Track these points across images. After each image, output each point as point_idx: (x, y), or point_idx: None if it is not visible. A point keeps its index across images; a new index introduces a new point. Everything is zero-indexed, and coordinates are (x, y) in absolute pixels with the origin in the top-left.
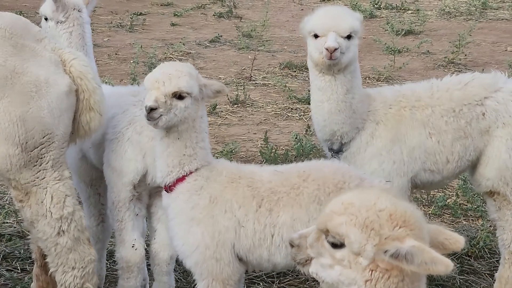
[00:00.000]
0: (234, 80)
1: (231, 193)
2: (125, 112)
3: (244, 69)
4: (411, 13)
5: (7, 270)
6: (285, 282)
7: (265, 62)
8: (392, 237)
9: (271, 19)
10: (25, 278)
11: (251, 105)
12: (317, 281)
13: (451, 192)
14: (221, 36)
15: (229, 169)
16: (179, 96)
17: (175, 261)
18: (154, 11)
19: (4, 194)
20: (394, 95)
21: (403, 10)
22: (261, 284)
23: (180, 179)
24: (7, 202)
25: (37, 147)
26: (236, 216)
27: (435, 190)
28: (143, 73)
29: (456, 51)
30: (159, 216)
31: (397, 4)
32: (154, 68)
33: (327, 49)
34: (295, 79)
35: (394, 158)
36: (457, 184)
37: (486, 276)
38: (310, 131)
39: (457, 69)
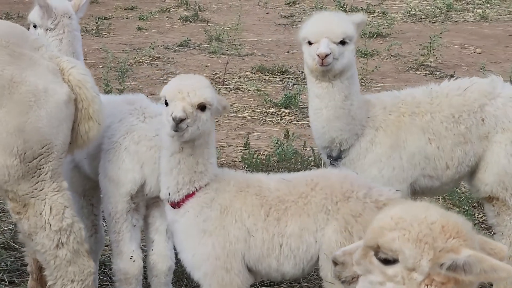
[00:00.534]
0: None
1: (240, 202)
2: (122, 121)
3: (215, 73)
4: (377, 15)
5: None
6: None
7: (236, 66)
8: (446, 249)
9: (238, 22)
10: None
11: None
12: None
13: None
14: (190, 40)
15: (236, 178)
16: (203, 107)
17: None
18: (118, 15)
19: None
20: (393, 101)
21: (369, 13)
22: None
23: (190, 195)
24: None
25: (35, 158)
26: (246, 226)
27: None
28: (114, 79)
29: (427, 54)
30: (157, 226)
31: (363, 7)
32: (125, 73)
33: (318, 55)
34: (269, 83)
35: (393, 164)
36: None
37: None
38: (289, 136)
39: (428, 72)
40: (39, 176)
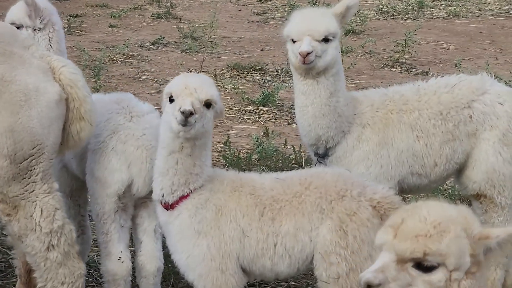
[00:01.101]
0: None
1: (234, 202)
2: (108, 120)
3: (190, 71)
4: None
5: None
6: None
7: (211, 64)
8: (475, 238)
9: (210, 20)
10: None
11: None
12: (299, 287)
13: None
14: (163, 37)
15: (230, 177)
16: (209, 105)
17: None
18: (89, 12)
19: None
20: (381, 98)
21: None
22: None
23: (184, 197)
24: None
25: (26, 159)
26: (240, 226)
27: None
28: (89, 77)
29: (402, 51)
30: (145, 227)
31: (335, 4)
32: (100, 71)
33: (300, 53)
34: (245, 81)
35: (381, 162)
36: None
37: None
38: (269, 134)
39: (403, 68)
40: (29, 178)
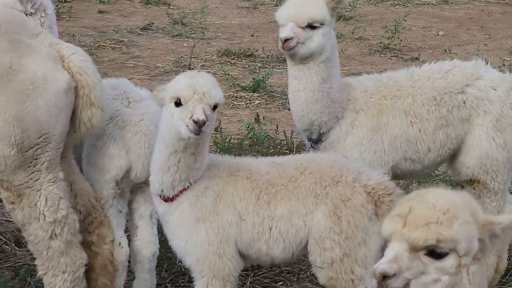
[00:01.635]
0: (173, 68)
1: (232, 186)
2: (105, 106)
3: (181, 57)
4: None
5: None
6: (259, 275)
7: (201, 50)
8: (481, 223)
9: (201, 6)
10: None
11: None
12: (292, 273)
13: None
14: (153, 23)
15: (226, 162)
16: (215, 107)
17: None
18: None
19: None
20: (375, 84)
21: None
22: None
23: (184, 189)
24: None
25: (32, 148)
26: (238, 210)
27: None
28: None
29: (392, 37)
30: (141, 212)
31: None
32: (91, 57)
33: (280, 39)
34: (235, 67)
35: (375, 148)
36: None
37: None
38: (260, 120)
39: (393, 54)
40: (35, 166)
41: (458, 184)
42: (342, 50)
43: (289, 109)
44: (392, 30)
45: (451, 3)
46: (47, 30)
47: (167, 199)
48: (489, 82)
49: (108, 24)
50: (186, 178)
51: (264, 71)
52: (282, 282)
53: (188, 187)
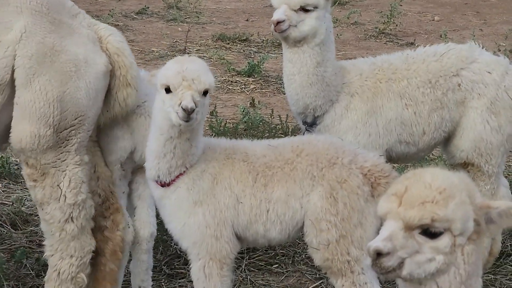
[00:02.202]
0: (168, 53)
1: (228, 169)
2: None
3: (176, 41)
4: None
5: None
6: (254, 258)
7: (196, 35)
8: (478, 205)
9: None
10: None
11: None
12: (286, 255)
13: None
14: (148, 7)
15: (222, 145)
16: (205, 93)
17: None
18: None
19: None
20: (369, 67)
21: None
22: None
23: (180, 174)
24: None
25: (67, 129)
26: (235, 193)
27: None
28: None
29: (387, 22)
30: (140, 193)
31: None
32: None
33: (272, 21)
34: (230, 51)
35: (369, 131)
36: None
37: None
38: (255, 104)
39: (388, 39)
40: (65, 147)
41: (453, 167)
42: (337, 35)
43: (284, 94)
44: (387, 15)
45: None
46: None
47: (164, 184)
48: (484, 65)
49: (103, 8)
50: (182, 163)
51: (259, 56)
52: (277, 265)
53: (184, 171)
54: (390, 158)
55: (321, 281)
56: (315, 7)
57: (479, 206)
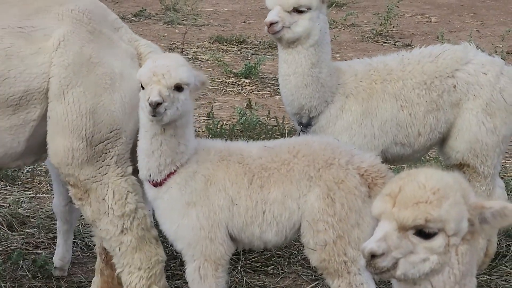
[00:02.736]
0: None
1: (223, 171)
2: None
3: (173, 43)
4: None
5: None
6: (250, 259)
7: (193, 37)
8: (472, 205)
9: None
10: None
11: None
12: (282, 257)
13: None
14: (145, 9)
15: (216, 147)
16: (179, 88)
17: None
18: None
19: None
20: (365, 68)
21: None
22: None
23: (172, 173)
24: None
25: (102, 142)
26: (229, 194)
27: None
28: None
29: (384, 23)
30: None
31: None
32: None
33: (265, 22)
34: (227, 53)
35: (364, 132)
36: None
37: None
38: (252, 105)
39: (385, 41)
40: (104, 161)
41: (449, 168)
42: (334, 36)
43: (280, 95)
44: (384, 17)
45: None
46: None
47: (156, 184)
48: (479, 66)
49: None
50: (171, 161)
51: (256, 58)
52: (273, 266)
53: (175, 171)
54: (386, 159)
55: (317, 282)
56: (309, 8)
57: (473, 206)
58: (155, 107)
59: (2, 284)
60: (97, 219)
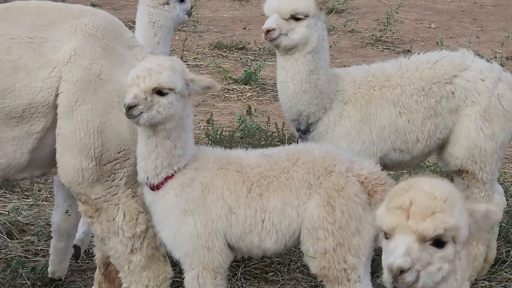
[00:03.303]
0: None
1: (221, 179)
2: None
3: (173, 50)
4: None
5: None
6: (250, 266)
7: (193, 43)
8: (468, 211)
9: None
10: None
11: None
12: (282, 263)
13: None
14: None
15: (216, 155)
16: (160, 92)
17: None
18: None
19: None
20: (363, 74)
21: None
22: None
23: (169, 177)
24: None
25: (111, 162)
26: (227, 203)
27: None
28: None
29: (384, 29)
30: None
31: None
32: None
33: (262, 30)
34: (227, 60)
35: (363, 138)
36: None
37: None
38: (252, 112)
39: (385, 47)
40: (113, 181)
41: (448, 175)
42: (334, 42)
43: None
44: (384, 23)
45: None
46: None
47: (153, 187)
48: (477, 72)
49: None
50: (168, 165)
51: (256, 64)
52: (272, 273)
53: (172, 175)
54: (385, 165)
55: None
56: (306, 16)
57: (470, 210)
58: (127, 109)
59: None
60: (107, 237)
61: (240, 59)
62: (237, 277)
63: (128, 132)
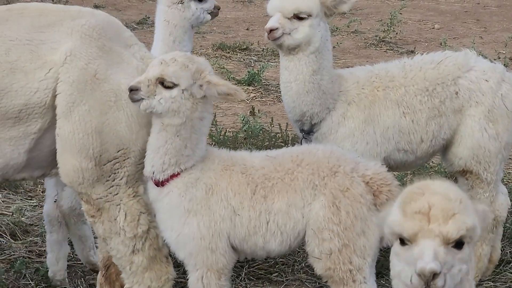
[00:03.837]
0: None
1: (226, 181)
2: None
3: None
4: None
5: None
6: (254, 267)
7: (196, 44)
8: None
9: None
10: None
11: None
12: (286, 264)
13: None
14: (148, 17)
15: (221, 156)
16: (164, 83)
17: None
18: None
19: None
20: (367, 75)
21: None
22: None
23: (175, 175)
24: None
25: (110, 161)
26: (231, 205)
27: None
28: None
29: (387, 30)
30: None
31: None
32: None
33: (265, 29)
34: (230, 60)
35: (367, 139)
36: None
37: None
38: (255, 113)
39: (388, 48)
40: (113, 181)
41: (452, 175)
42: (337, 43)
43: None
44: (387, 24)
45: None
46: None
47: (158, 183)
48: (480, 73)
49: None
50: (175, 163)
51: (259, 65)
52: (277, 274)
53: (178, 173)
54: (389, 166)
55: None
56: (309, 15)
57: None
58: (129, 91)
59: None
60: (109, 237)
61: (244, 60)
62: (241, 278)
63: (126, 132)
